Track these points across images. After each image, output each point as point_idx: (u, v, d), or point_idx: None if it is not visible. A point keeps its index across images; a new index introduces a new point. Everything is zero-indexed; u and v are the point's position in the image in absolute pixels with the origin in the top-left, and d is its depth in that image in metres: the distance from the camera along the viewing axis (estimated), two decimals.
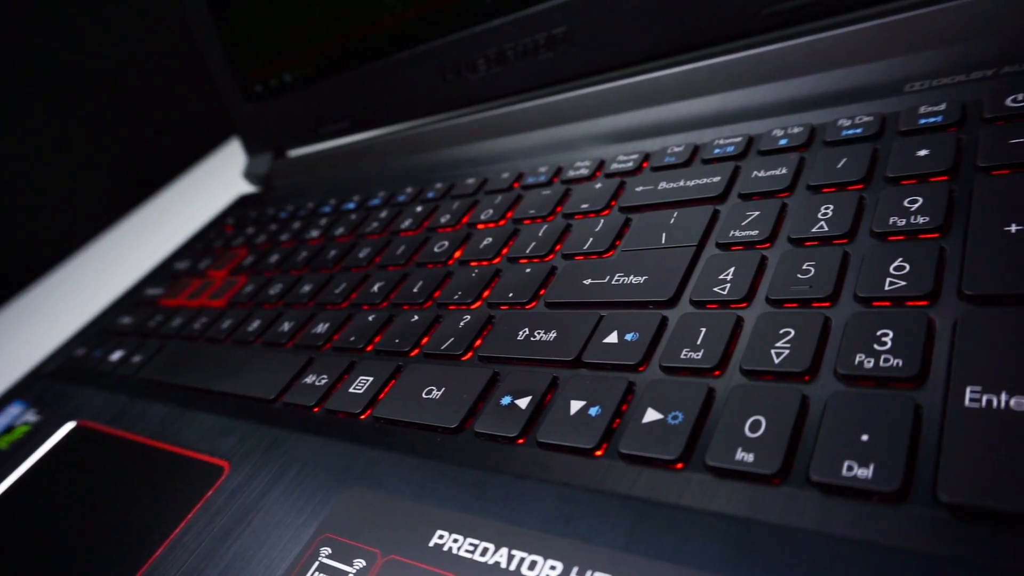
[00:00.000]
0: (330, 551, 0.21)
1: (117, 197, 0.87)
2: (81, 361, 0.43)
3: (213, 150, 0.90)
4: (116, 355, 0.41)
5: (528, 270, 0.28)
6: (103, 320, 0.48)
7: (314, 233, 0.43)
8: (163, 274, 0.51)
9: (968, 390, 0.16)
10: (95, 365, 0.41)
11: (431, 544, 0.19)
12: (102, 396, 0.37)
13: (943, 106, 0.24)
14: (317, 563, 0.21)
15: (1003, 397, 0.15)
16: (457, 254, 0.32)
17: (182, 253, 0.53)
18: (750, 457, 0.17)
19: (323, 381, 0.29)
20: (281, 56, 0.52)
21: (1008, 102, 0.22)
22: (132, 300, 0.49)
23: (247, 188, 0.61)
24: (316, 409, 0.28)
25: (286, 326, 0.34)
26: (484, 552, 0.18)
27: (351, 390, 0.27)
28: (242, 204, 0.57)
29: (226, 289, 0.43)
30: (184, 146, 0.89)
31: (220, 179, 0.77)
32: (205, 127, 0.87)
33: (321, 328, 0.33)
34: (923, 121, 0.24)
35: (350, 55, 0.47)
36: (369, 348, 0.29)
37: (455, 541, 0.19)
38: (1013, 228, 0.18)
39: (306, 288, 0.37)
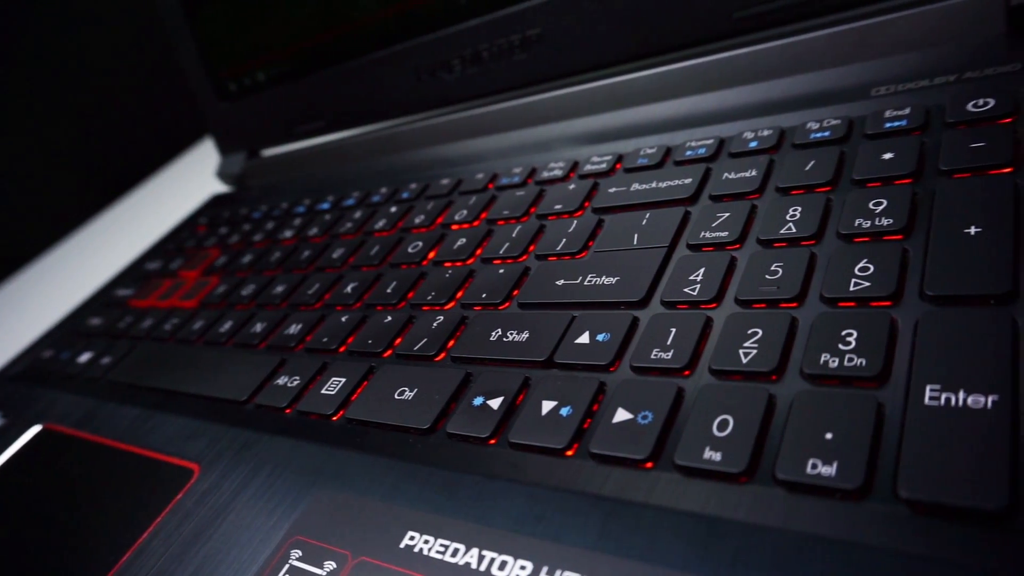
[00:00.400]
0: (300, 553, 0.21)
1: (87, 196, 0.85)
2: (48, 363, 0.42)
3: (186, 149, 0.88)
4: (84, 357, 0.41)
5: (502, 271, 0.28)
6: (72, 321, 0.47)
7: (288, 233, 0.43)
8: (134, 275, 0.50)
9: (928, 389, 0.16)
10: (63, 367, 0.41)
11: (402, 545, 0.19)
12: (70, 399, 0.36)
13: (908, 110, 0.24)
14: (287, 566, 0.21)
15: (960, 395, 0.15)
16: (431, 255, 0.32)
17: (153, 253, 0.53)
18: (718, 456, 0.17)
19: (295, 382, 0.28)
20: (255, 55, 0.51)
21: (969, 107, 0.23)
22: (102, 301, 0.48)
23: (220, 188, 0.60)
24: (288, 411, 0.27)
25: (258, 327, 0.34)
26: (455, 553, 0.18)
27: (323, 391, 0.27)
28: (215, 204, 0.57)
29: (198, 290, 0.42)
30: (156, 145, 0.88)
31: (193, 179, 0.76)
32: (178, 126, 0.86)
33: (294, 329, 0.32)
34: (888, 125, 0.24)
35: (325, 54, 0.47)
36: (342, 349, 0.29)
37: (426, 542, 0.19)
38: (972, 230, 0.19)
39: (279, 289, 0.37)
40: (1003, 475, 0.14)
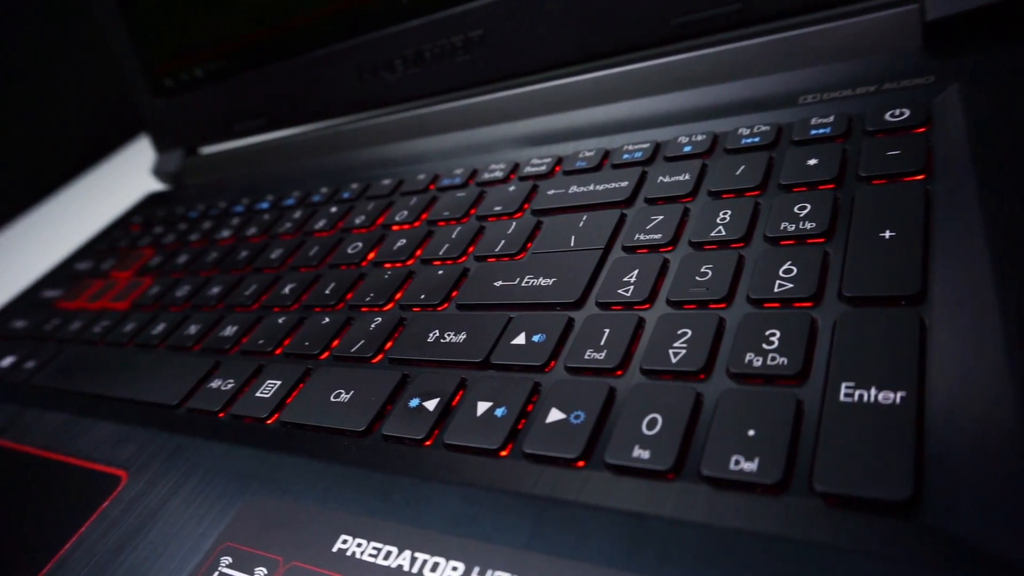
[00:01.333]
0: (231, 560, 0.20)
1: (14, 194, 0.82)
2: None
3: (121, 146, 0.86)
4: (7, 361, 0.39)
5: (441, 272, 0.28)
6: None
7: (225, 233, 0.42)
8: (62, 275, 0.48)
9: (843, 386, 0.17)
10: None
11: (335, 549, 0.19)
12: None
13: (831, 118, 0.25)
14: (216, 573, 0.20)
15: (872, 392, 0.16)
16: (371, 255, 0.32)
17: (84, 253, 0.51)
18: (646, 454, 0.17)
19: (229, 385, 0.28)
20: (193, 50, 0.50)
21: (887, 117, 0.24)
22: (27, 302, 0.46)
23: (156, 186, 0.58)
24: (221, 415, 0.27)
25: (192, 329, 0.33)
26: (387, 555, 0.18)
27: (258, 394, 0.26)
28: (150, 202, 0.55)
29: (130, 291, 0.41)
30: (89, 141, 0.85)
31: (128, 176, 0.73)
32: (113, 122, 0.83)
33: (229, 331, 0.32)
34: (814, 132, 0.25)
35: (265, 51, 0.46)
36: (278, 351, 0.29)
37: (359, 545, 0.19)
38: (887, 234, 0.20)
39: (215, 290, 0.36)
40: (908, 467, 0.14)
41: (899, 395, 0.16)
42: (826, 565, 0.14)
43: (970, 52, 0.25)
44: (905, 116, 0.24)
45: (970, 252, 0.18)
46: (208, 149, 0.55)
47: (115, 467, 0.26)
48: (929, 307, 0.18)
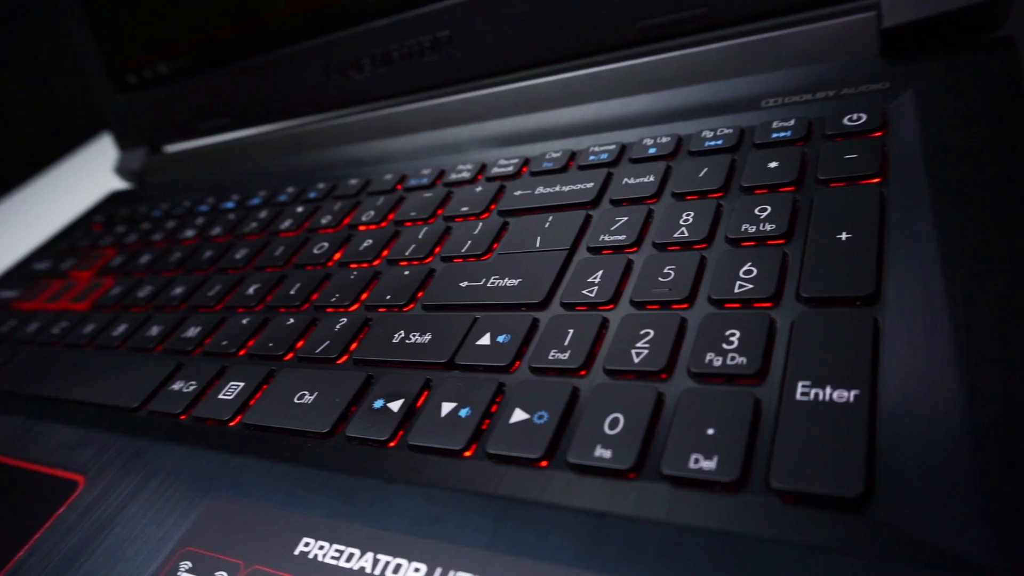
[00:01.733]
0: (190, 565, 0.20)
1: None
2: None
3: (83, 144, 0.84)
4: None
5: (407, 272, 0.28)
6: None
7: (189, 233, 0.41)
8: (19, 275, 0.47)
9: (799, 385, 0.17)
10: None
11: (296, 552, 0.19)
12: None
13: (792, 122, 0.26)
14: None
15: (827, 390, 0.16)
16: (337, 256, 0.32)
17: (42, 253, 0.50)
18: (608, 453, 0.18)
19: (191, 387, 0.27)
20: (157, 46, 0.49)
21: (845, 121, 0.24)
22: None
23: (119, 184, 0.57)
24: (183, 417, 0.26)
25: (154, 330, 0.33)
26: (349, 558, 0.18)
27: (221, 396, 0.26)
28: (113, 201, 0.54)
29: (90, 291, 0.40)
30: (49, 138, 0.83)
31: (89, 175, 0.72)
32: (74, 119, 0.81)
33: (192, 332, 0.31)
34: (775, 135, 0.26)
35: (231, 48, 0.46)
36: (242, 352, 0.28)
37: (321, 548, 0.19)
38: (844, 236, 0.20)
39: (178, 290, 0.35)
40: (859, 464, 0.15)
41: (853, 394, 0.16)
42: (780, 560, 0.14)
43: (925, 59, 0.26)
44: (862, 121, 0.24)
45: (922, 254, 0.18)
46: (173, 147, 0.54)
47: (72, 471, 0.26)
48: (883, 308, 0.18)
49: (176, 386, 0.28)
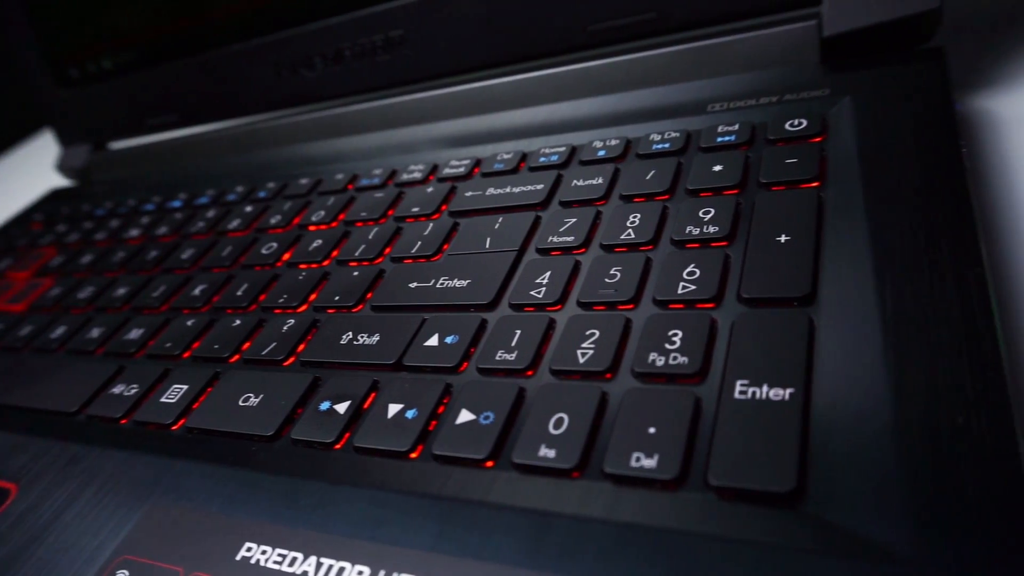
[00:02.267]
0: (128, 573, 0.20)
1: None
2: None
3: (22, 140, 0.81)
4: None
5: (356, 273, 0.28)
6: None
7: (134, 232, 0.40)
8: None
9: (738, 384, 0.17)
10: None
11: (238, 557, 0.19)
12: None
13: (736, 127, 0.26)
14: None
15: (764, 389, 0.17)
16: (286, 256, 0.31)
17: None
18: (552, 453, 0.18)
19: (133, 391, 0.27)
20: (102, 39, 0.48)
21: (787, 126, 0.25)
22: None
23: (61, 182, 0.56)
24: (123, 421, 0.26)
25: (95, 332, 0.32)
26: (292, 562, 0.18)
27: (163, 400, 0.26)
28: (54, 199, 0.52)
29: (28, 292, 0.39)
30: None
31: (29, 172, 0.69)
32: (13, 114, 0.78)
33: (135, 334, 0.30)
34: (720, 139, 0.26)
35: (179, 44, 0.45)
36: (186, 355, 0.28)
37: (263, 553, 0.19)
38: (783, 238, 0.21)
39: (120, 291, 0.34)
40: (792, 460, 0.15)
41: (788, 392, 0.17)
42: (715, 555, 0.15)
43: (862, 67, 0.26)
44: (803, 126, 0.25)
45: (855, 256, 0.19)
46: (117, 144, 0.53)
47: (4, 480, 0.25)
48: (818, 308, 0.18)
49: (117, 389, 0.27)
